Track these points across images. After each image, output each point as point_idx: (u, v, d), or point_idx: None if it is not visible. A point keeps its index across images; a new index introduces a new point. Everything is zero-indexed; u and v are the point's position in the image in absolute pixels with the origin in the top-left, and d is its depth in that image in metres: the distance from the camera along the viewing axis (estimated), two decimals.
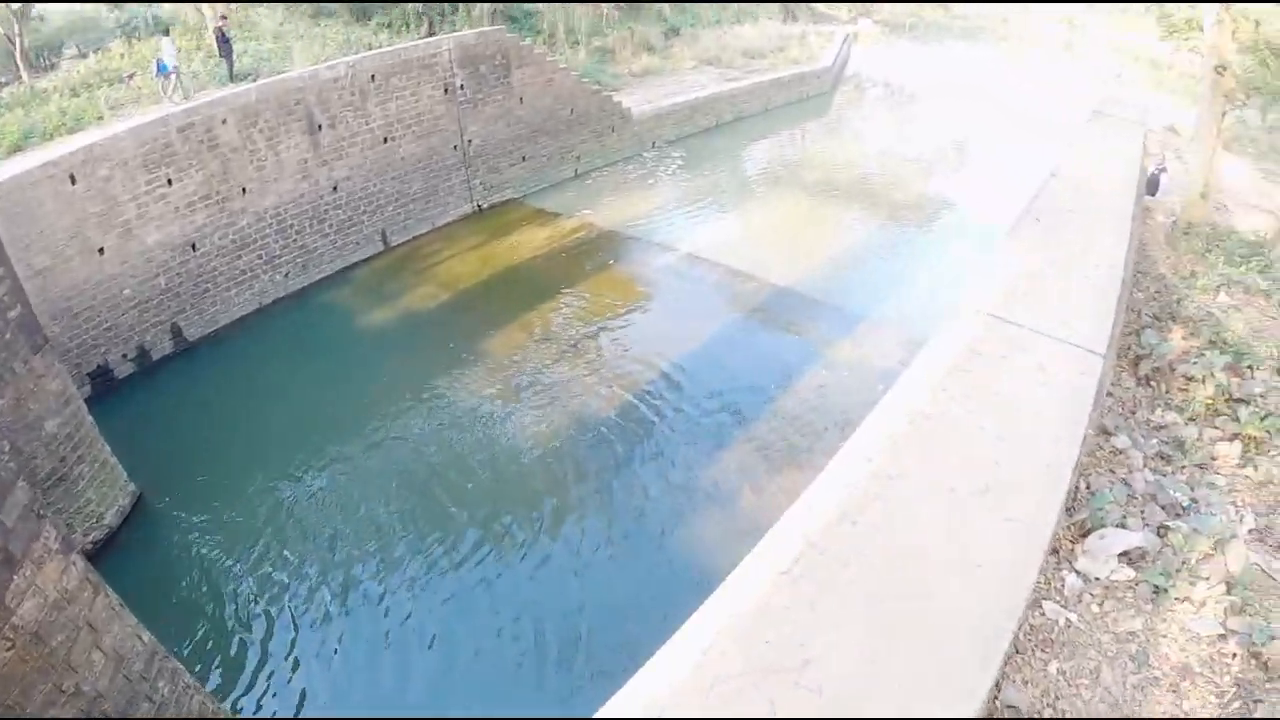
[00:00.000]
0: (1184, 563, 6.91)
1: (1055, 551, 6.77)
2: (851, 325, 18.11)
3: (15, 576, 7.17)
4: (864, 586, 4.35)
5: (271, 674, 10.89)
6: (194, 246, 18.49)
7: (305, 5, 32.13)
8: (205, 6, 28.82)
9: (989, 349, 6.79)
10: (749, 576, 4.36)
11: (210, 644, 11.35)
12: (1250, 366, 10.70)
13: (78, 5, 41.85)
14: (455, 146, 22.92)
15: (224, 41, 22.75)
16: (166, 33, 23.44)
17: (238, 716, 10.34)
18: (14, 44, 31.61)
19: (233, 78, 22.46)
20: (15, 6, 32.14)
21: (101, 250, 17.22)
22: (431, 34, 29.28)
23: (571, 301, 19.06)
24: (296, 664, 10.98)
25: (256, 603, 11.88)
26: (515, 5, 34.06)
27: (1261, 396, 9.93)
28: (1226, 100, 19.11)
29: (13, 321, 11.99)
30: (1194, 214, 18.70)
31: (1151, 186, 20.01)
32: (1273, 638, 6.06)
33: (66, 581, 7.77)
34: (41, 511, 7.78)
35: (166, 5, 36.16)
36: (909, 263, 22.07)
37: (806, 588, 4.30)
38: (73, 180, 16.87)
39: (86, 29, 39.56)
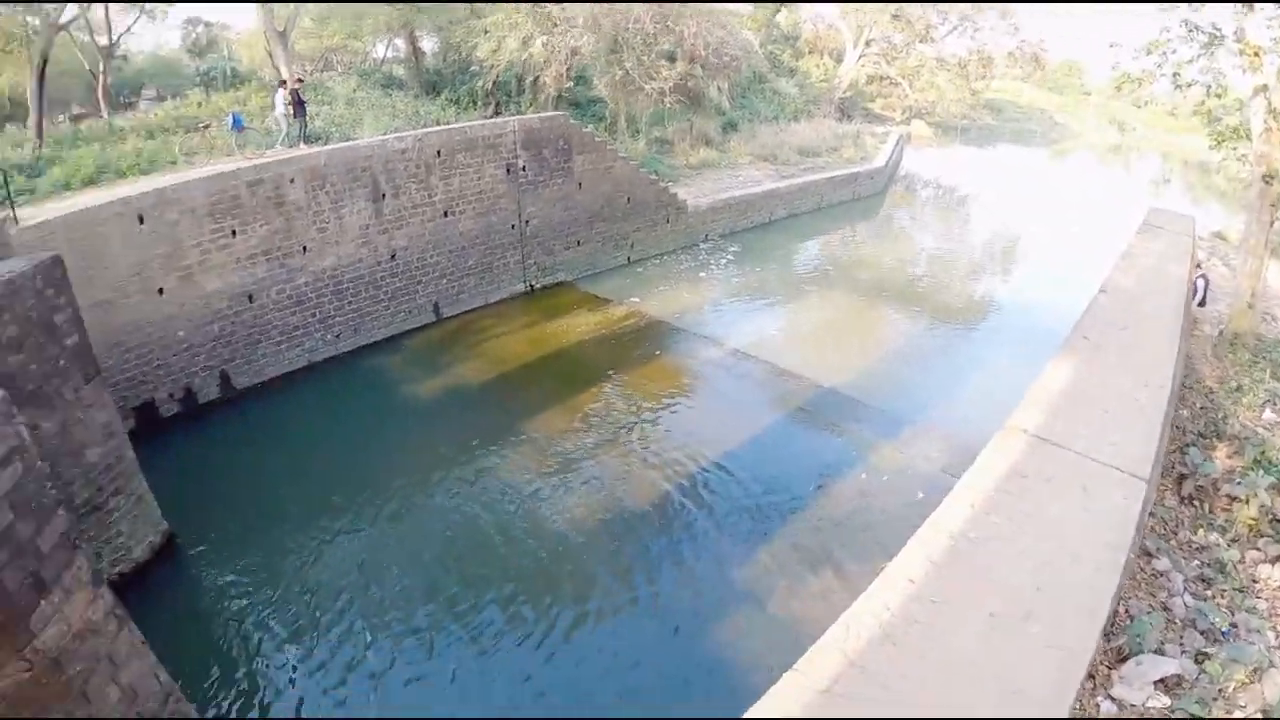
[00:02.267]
0: (1220, 691, 6.81)
1: (1091, 677, 6.68)
2: (895, 429, 17.82)
3: (43, 602, 7.25)
4: (904, 708, 4.36)
5: None
6: (251, 298, 18.87)
7: (377, 75, 33.09)
8: (282, 66, 29.63)
9: (1033, 470, 6.78)
10: (788, 693, 4.41)
11: (222, 691, 11.26)
12: None
13: (161, 49, 43.43)
14: (513, 226, 23.25)
15: (298, 103, 23.26)
16: (283, 84, 23.91)
17: None
18: (97, 80, 32.75)
19: (304, 139, 22.96)
20: (102, 44, 33.26)
21: (161, 291, 17.64)
22: (497, 114, 29.96)
23: (617, 388, 18.94)
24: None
25: (274, 655, 11.80)
26: (580, 92, 34.77)
27: None
28: (1275, 209, 18.89)
29: (68, 349, 12.40)
30: (1241, 324, 18.45)
31: (1194, 295, 19.81)
32: None
33: (92, 613, 7.82)
34: (77, 542, 7.86)
35: (245, 61, 37.38)
36: (954, 368, 21.84)
37: (845, 707, 4.33)
38: (141, 220, 17.32)
39: (167, 74, 40.79)
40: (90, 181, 21.50)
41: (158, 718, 8.60)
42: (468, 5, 31.80)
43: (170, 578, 13.41)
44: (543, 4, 29.62)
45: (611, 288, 24.95)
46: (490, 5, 30.88)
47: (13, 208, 17.58)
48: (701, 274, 27.52)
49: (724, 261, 28.89)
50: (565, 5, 29.80)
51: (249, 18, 39.99)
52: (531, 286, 24.28)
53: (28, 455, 7.38)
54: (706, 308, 24.47)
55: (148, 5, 33.67)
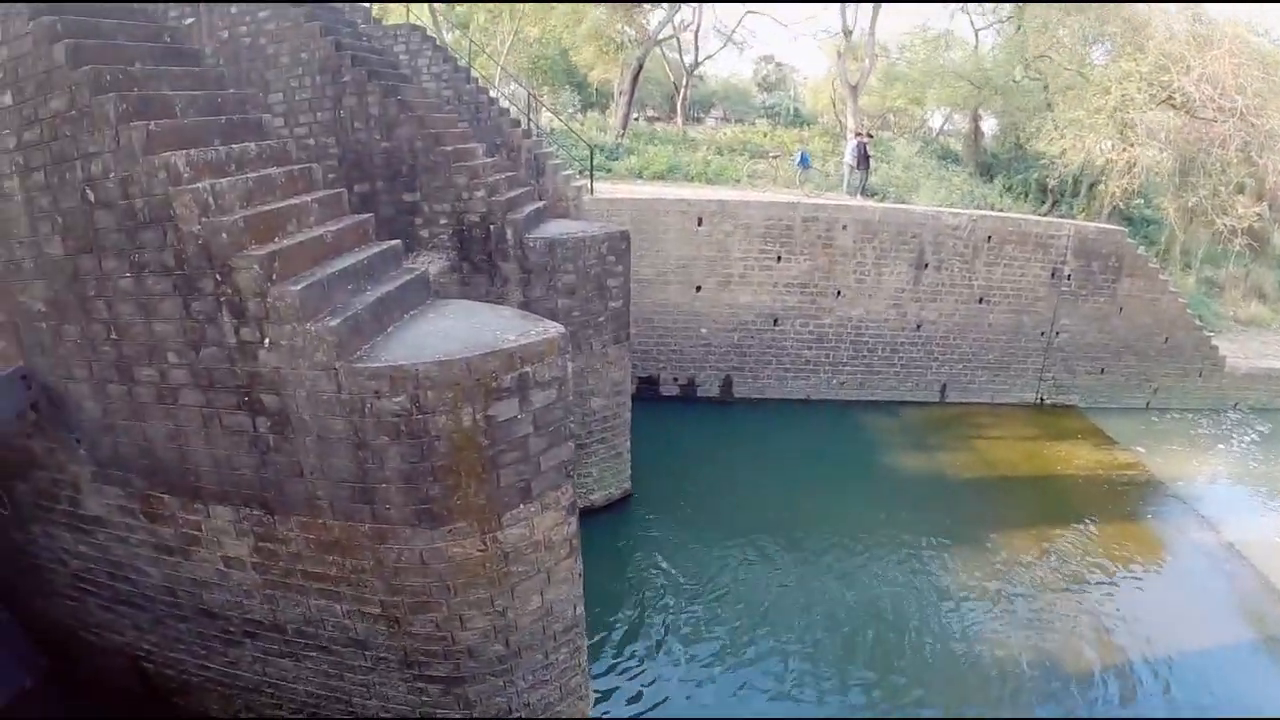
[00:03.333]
0: None
1: None
2: None
3: (522, 506, 8.25)
4: None
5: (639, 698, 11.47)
6: (776, 321, 20.10)
7: (934, 146, 33.08)
8: (850, 117, 30.46)
9: None
10: None
11: (612, 646, 12.38)
12: None
13: (733, 77, 46.60)
14: (1042, 333, 22.00)
15: (864, 156, 23.66)
16: (858, 135, 24.75)
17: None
18: (677, 92, 35.90)
19: (863, 191, 23.31)
20: (688, 62, 36.25)
21: (698, 289, 19.59)
22: (1051, 211, 28.70)
23: (1090, 536, 17.02)
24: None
25: (669, 636, 12.64)
26: (1136, 208, 32.46)
27: None
28: None
29: (610, 310, 14.88)
30: None
31: None
32: None
33: (554, 534, 8.64)
34: (570, 472, 8.61)
35: (808, 104, 39.05)
36: None
37: None
38: (700, 223, 19.24)
39: (735, 99, 43.86)
40: (659, 176, 23.39)
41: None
42: (1045, 95, 30.92)
43: (612, 528, 15.18)
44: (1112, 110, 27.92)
45: (1120, 429, 22.74)
46: (1063, 98, 29.73)
47: (591, 180, 19.70)
48: (1219, 445, 24.40)
49: (1247, 439, 25.40)
50: (1145, 113, 27.88)
51: (819, 66, 41.75)
52: (1041, 400, 22.82)
53: (564, 387, 8.29)
54: (1213, 484, 21.49)
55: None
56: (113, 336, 8.21)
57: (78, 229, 7.82)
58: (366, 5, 15.76)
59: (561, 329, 8.33)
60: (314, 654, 9.42)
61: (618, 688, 11.59)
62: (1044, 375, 22.40)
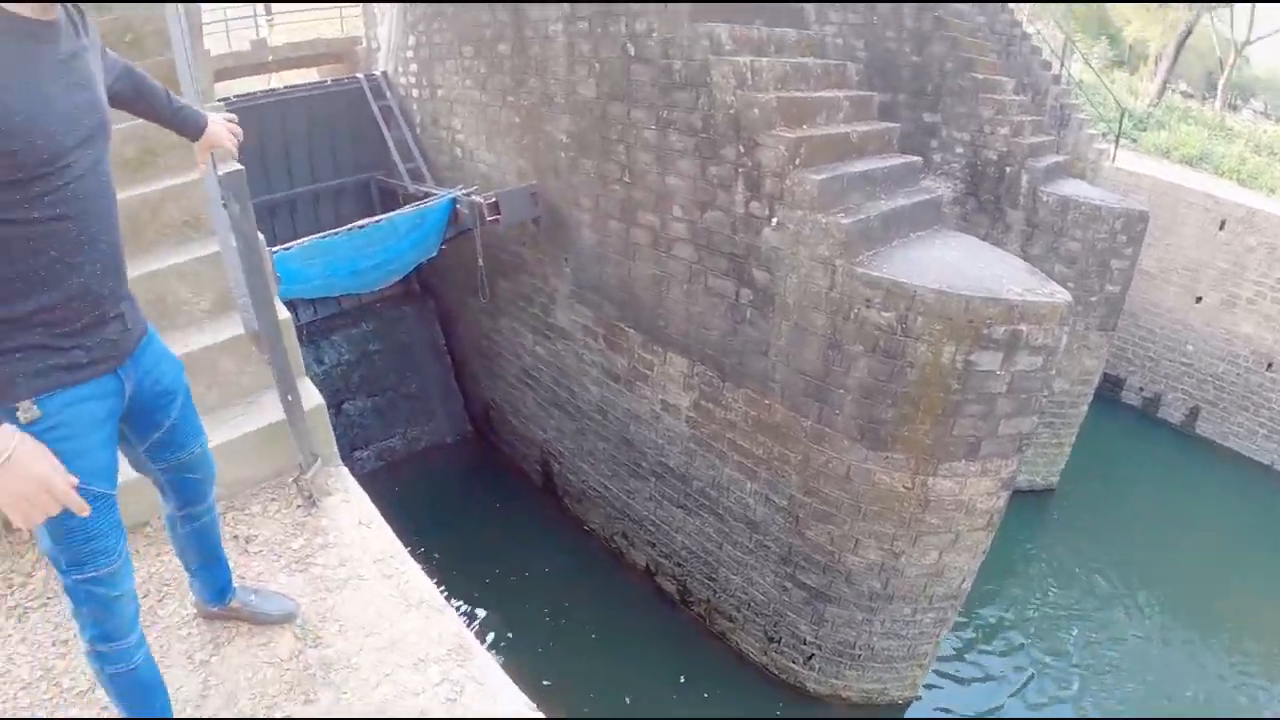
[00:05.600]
0: None
1: None
2: None
3: (963, 462, 7.79)
4: None
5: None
6: (1270, 366, 16.75)
7: None
8: None
9: None
10: None
11: (969, 636, 11.71)
12: None
13: None
14: None
15: None
16: None
17: None
18: (1222, 70, 31.40)
19: None
20: (1239, 39, 31.55)
21: (1198, 300, 17.07)
22: None
23: None
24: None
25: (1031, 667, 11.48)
26: None
27: None
28: None
29: (1107, 293, 13.31)
30: None
31: None
32: None
33: (981, 502, 8.10)
34: (1023, 447, 7.99)
35: None
36: None
37: None
38: (1221, 226, 16.61)
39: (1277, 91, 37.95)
40: (1187, 161, 20.92)
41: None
42: None
43: (1023, 518, 13.61)
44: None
45: None
46: None
47: (1116, 145, 17.83)
48: None
49: None
50: None
51: None
52: None
53: (1051, 358, 7.65)
54: None
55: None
56: (625, 179, 8.83)
57: (612, 77, 8.48)
58: None
59: (1068, 297, 7.63)
60: (706, 515, 9.82)
61: (952, 681, 11.01)
62: None
